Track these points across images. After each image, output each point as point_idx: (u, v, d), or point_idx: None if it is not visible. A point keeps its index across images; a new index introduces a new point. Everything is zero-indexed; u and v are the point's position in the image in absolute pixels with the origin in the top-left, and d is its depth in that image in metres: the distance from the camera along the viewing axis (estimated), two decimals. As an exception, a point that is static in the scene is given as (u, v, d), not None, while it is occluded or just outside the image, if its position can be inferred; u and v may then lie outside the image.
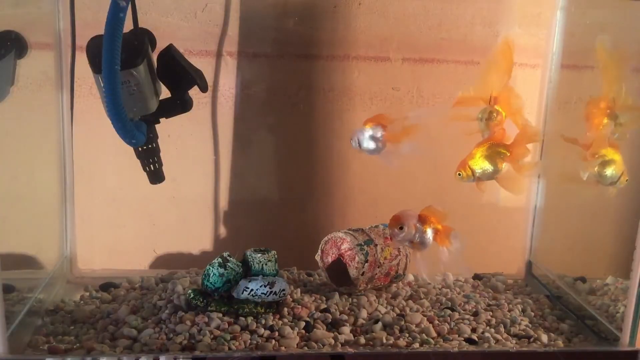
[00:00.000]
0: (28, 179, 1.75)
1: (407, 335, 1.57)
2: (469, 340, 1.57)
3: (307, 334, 1.54)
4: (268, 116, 1.98)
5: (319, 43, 1.94)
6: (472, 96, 1.56)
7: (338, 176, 2.04)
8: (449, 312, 1.70)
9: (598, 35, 1.61)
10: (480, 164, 1.55)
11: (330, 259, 1.78)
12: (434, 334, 1.58)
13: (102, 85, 1.37)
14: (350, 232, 1.76)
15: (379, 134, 1.54)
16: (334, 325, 1.59)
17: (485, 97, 1.55)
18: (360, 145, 1.55)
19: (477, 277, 2.02)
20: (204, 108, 1.93)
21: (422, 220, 1.54)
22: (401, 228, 1.52)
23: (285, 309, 1.62)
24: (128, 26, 1.42)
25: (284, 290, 1.60)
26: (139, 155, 1.66)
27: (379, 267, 1.74)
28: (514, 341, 1.59)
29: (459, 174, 1.56)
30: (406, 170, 2.01)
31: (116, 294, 1.76)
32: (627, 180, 1.62)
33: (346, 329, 1.57)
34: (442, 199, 2.06)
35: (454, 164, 2.04)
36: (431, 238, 1.53)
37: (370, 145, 1.55)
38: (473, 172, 1.55)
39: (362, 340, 1.53)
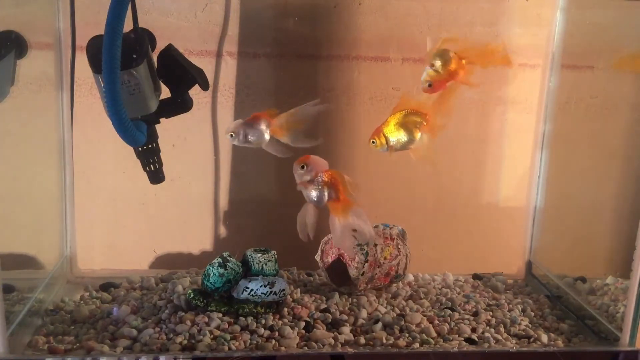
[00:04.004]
0: (28, 179, 1.75)
1: (407, 335, 1.57)
2: (469, 340, 1.57)
3: (307, 334, 1.54)
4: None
5: (319, 43, 1.94)
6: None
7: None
8: (449, 312, 1.70)
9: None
10: (395, 133, 1.52)
11: (330, 259, 1.78)
12: (434, 334, 1.58)
13: (102, 85, 1.37)
14: (350, 232, 1.76)
15: (263, 127, 1.55)
16: (334, 325, 1.59)
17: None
18: (245, 138, 1.56)
19: (477, 277, 2.02)
20: (204, 108, 1.93)
21: (328, 176, 1.52)
22: (303, 167, 1.51)
23: (285, 309, 1.62)
24: (128, 26, 1.42)
25: (284, 290, 1.60)
26: (139, 155, 1.66)
27: (379, 267, 1.74)
28: (514, 341, 1.59)
29: (373, 142, 1.53)
30: (407, 171, 2.01)
31: (116, 294, 1.76)
32: None
33: (346, 329, 1.57)
34: (443, 200, 2.07)
35: (455, 165, 2.06)
36: (326, 195, 1.52)
37: (255, 137, 1.56)
38: (387, 140, 1.53)
39: (362, 340, 1.53)
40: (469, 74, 1.54)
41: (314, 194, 1.51)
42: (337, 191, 1.51)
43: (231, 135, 1.56)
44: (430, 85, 1.52)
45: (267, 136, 1.56)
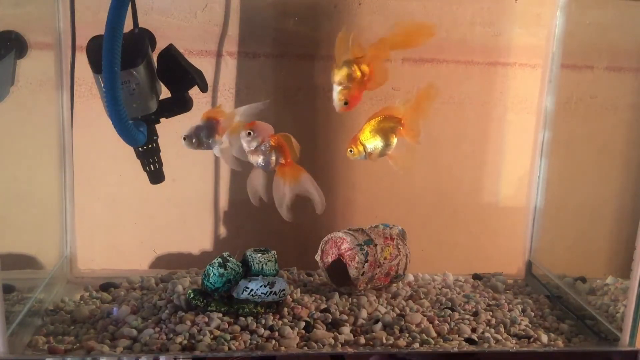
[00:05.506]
0: (28, 179, 1.75)
1: (407, 335, 1.57)
2: (469, 340, 1.57)
3: (307, 334, 1.54)
4: (268, 116, 1.98)
5: (319, 43, 1.94)
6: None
7: (338, 176, 2.04)
8: (449, 312, 1.70)
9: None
10: (372, 140, 1.51)
11: (330, 259, 1.78)
12: (434, 334, 1.58)
13: (102, 85, 1.38)
14: (350, 232, 1.76)
15: (213, 130, 1.57)
16: (334, 325, 1.59)
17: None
18: (198, 142, 1.58)
19: (477, 277, 2.02)
20: (204, 108, 1.92)
21: (275, 140, 1.53)
22: (249, 134, 1.53)
23: (285, 309, 1.62)
24: (128, 26, 1.42)
25: (284, 290, 1.60)
26: (139, 155, 1.66)
27: (379, 267, 1.74)
28: (514, 341, 1.59)
29: (350, 151, 1.53)
30: (407, 171, 2.01)
31: (116, 294, 1.76)
32: None
33: (346, 329, 1.57)
34: (443, 200, 2.07)
35: (455, 164, 2.06)
36: (274, 159, 1.53)
37: (208, 139, 1.58)
38: (365, 148, 1.52)
39: (362, 340, 1.53)
40: (382, 72, 1.50)
41: (261, 158, 1.52)
42: (285, 155, 1.53)
43: (184, 139, 1.58)
44: (346, 104, 1.49)
45: (217, 138, 1.57)
